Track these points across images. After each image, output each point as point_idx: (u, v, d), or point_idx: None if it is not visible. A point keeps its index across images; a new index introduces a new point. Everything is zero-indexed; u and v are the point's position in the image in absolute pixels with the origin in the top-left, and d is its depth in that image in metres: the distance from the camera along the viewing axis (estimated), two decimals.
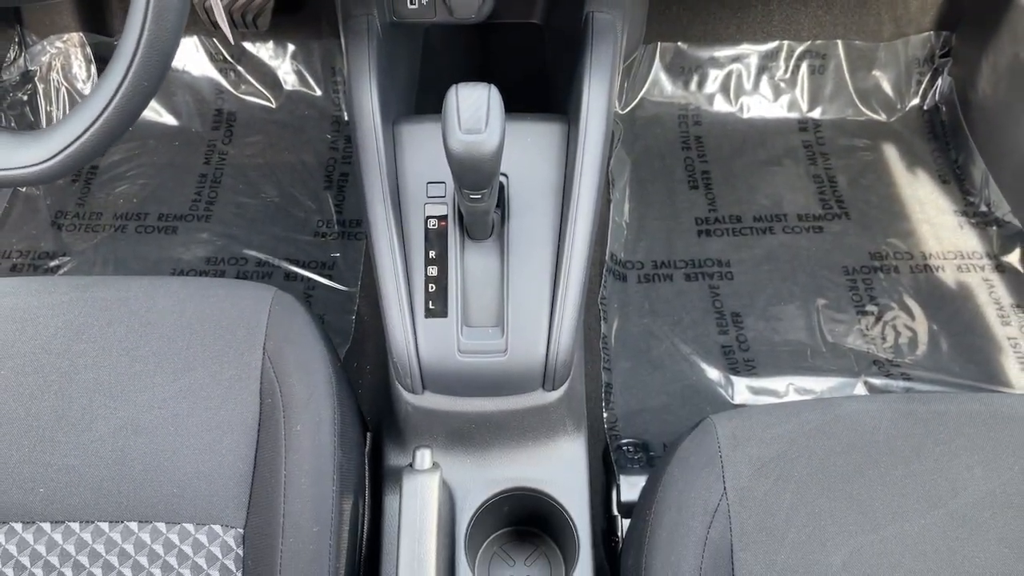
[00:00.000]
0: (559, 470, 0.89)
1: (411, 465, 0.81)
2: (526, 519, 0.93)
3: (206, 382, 0.78)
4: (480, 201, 0.74)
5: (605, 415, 1.23)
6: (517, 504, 0.90)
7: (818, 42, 1.55)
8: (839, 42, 1.55)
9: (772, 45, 1.55)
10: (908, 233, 1.42)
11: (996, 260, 1.39)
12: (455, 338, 0.83)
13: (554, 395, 0.86)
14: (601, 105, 0.87)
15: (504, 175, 0.85)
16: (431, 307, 0.84)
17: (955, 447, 0.73)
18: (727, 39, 1.55)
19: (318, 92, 1.59)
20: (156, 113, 1.55)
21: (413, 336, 0.83)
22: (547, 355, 0.83)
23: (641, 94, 1.56)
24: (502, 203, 0.86)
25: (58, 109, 1.52)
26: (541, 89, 1.09)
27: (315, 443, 0.77)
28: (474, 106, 0.65)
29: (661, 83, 1.56)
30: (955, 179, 1.49)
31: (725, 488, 0.72)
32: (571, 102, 0.90)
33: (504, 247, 0.85)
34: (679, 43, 1.55)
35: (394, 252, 0.84)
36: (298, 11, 1.54)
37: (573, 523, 0.86)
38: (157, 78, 0.61)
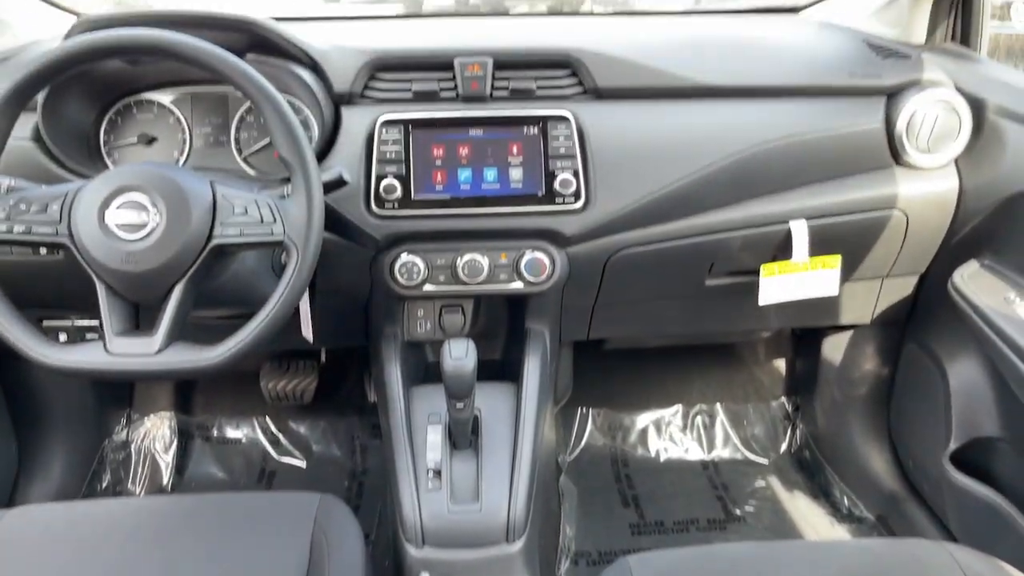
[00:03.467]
0: None
1: None
2: None
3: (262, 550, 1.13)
4: (463, 411, 1.25)
5: None
6: None
7: (704, 405, 2.15)
8: (719, 404, 2.15)
9: (672, 408, 2.15)
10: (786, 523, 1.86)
11: None
12: (446, 505, 1.26)
13: (515, 547, 1.25)
14: (535, 376, 1.43)
15: (478, 409, 1.36)
16: (429, 487, 1.28)
17: None
18: (639, 405, 2.15)
19: (339, 454, 2.11)
20: (210, 472, 2.05)
21: (419, 505, 1.26)
22: (507, 517, 1.25)
23: (581, 445, 2.10)
24: (477, 429, 1.35)
25: (143, 469, 2.02)
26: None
27: None
28: (459, 346, 1.21)
29: (595, 436, 2.12)
30: (823, 495, 1.96)
31: None
32: (518, 376, 1.45)
33: (478, 454, 1.33)
34: (605, 408, 2.14)
35: (407, 458, 1.31)
36: (331, 400, 2.15)
37: None
38: (288, 316, 1.14)
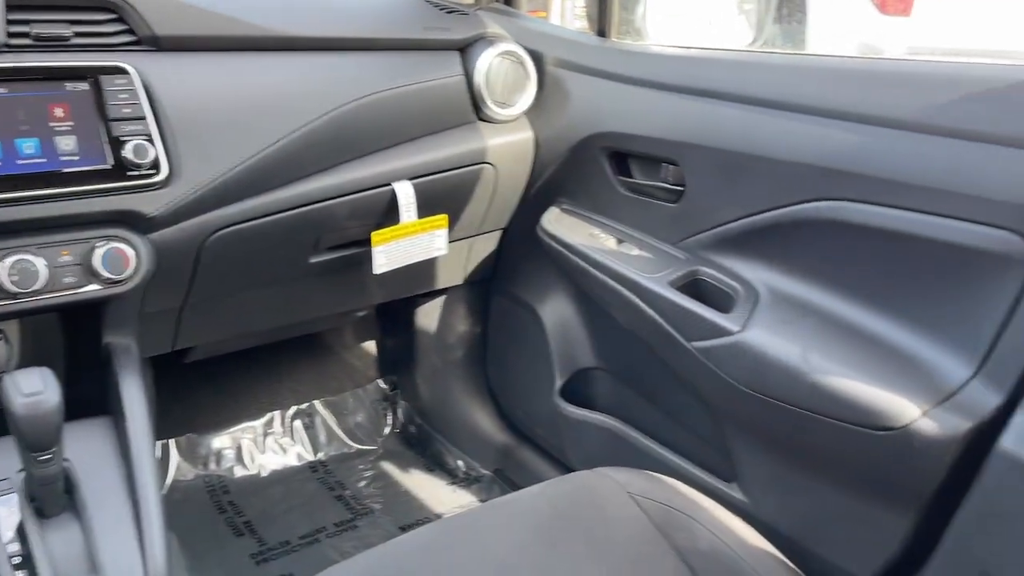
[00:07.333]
0: None
1: None
2: None
3: None
4: (49, 465, 0.91)
5: None
6: None
7: (300, 405, 1.97)
8: (316, 402, 1.99)
9: (266, 417, 1.93)
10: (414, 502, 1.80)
11: None
12: None
13: None
14: (138, 402, 1.12)
15: (67, 459, 1.01)
16: None
17: None
18: (228, 421, 1.88)
19: None
20: None
21: None
22: None
23: (168, 482, 1.76)
24: (71, 486, 1.01)
25: None
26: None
27: None
28: (32, 379, 0.87)
29: (183, 469, 1.80)
30: (438, 465, 1.93)
31: None
32: (112, 407, 1.13)
33: (81, 516, 0.98)
34: (189, 434, 1.83)
35: None
36: None
37: None
38: None
